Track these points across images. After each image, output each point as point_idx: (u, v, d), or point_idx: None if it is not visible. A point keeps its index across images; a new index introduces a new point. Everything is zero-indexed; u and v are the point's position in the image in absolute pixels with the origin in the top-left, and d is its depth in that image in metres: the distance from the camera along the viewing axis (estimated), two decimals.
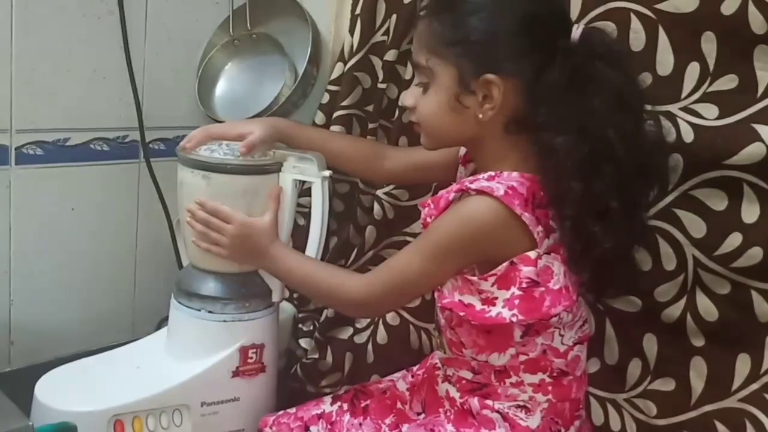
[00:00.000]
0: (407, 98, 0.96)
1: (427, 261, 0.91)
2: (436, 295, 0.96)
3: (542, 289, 0.88)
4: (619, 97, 0.86)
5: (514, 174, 0.89)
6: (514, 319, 0.88)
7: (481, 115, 0.89)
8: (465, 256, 0.90)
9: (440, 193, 0.95)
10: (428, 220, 0.95)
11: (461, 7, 0.89)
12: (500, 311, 0.88)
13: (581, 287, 0.95)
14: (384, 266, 0.99)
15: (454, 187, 0.93)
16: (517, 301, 0.88)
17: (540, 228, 0.87)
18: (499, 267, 0.88)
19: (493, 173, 0.90)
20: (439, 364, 1.03)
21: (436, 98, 0.92)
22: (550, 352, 0.92)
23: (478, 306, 0.90)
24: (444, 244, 0.90)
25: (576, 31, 0.89)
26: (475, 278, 0.89)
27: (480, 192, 0.87)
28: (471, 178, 0.92)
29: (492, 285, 0.88)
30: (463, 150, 1.06)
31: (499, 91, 0.88)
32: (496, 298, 0.89)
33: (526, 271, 0.87)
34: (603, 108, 0.85)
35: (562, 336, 0.92)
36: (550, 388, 0.93)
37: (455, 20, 0.89)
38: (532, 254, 0.87)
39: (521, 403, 0.93)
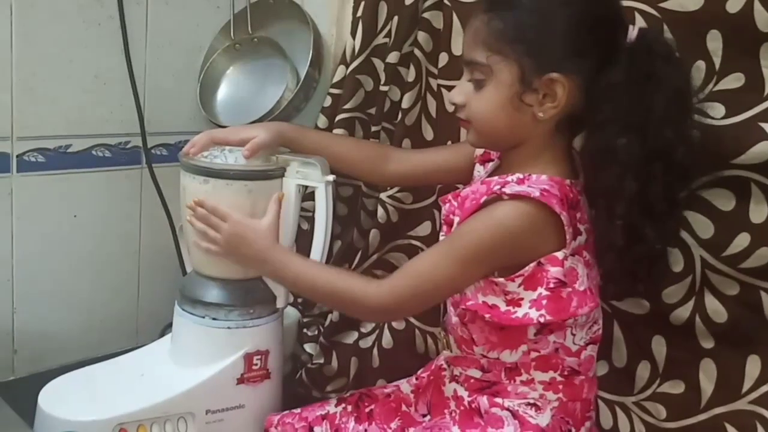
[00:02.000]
0: (456, 95, 0.93)
1: (456, 265, 0.89)
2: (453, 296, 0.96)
3: (569, 289, 0.88)
4: (679, 98, 0.86)
5: (543, 177, 0.88)
6: (542, 320, 0.88)
7: (541, 114, 0.88)
8: (495, 261, 0.89)
9: (464, 191, 0.94)
10: (451, 217, 0.94)
11: (523, 4, 0.88)
12: (527, 312, 0.88)
13: (606, 286, 0.95)
14: (407, 271, 0.95)
15: (481, 188, 0.91)
16: (544, 302, 0.87)
17: (570, 229, 0.87)
18: (526, 268, 0.87)
19: (521, 176, 0.89)
20: (446, 365, 1.02)
21: (494, 96, 0.89)
22: (562, 351, 0.92)
23: (503, 307, 0.89)
24: (476, 250, 0.88)
25: (632, 32, 0.88)
26: (501, 280, 0.89)
27: (514, 197, 0.86)
28: (499, 180, 0.91)
29: (519, 286, 0.88)
30: (479, 151, 1.05)
31: (564, 89, 0.86)
32: (522, 298, 0.88)
33: (554, 271, 0.87)
34: (663, 108, 0.85)
35: (573, 335, 0.92)
36: (561, 387, 0.93)
37: (517, 17, 0.87)
38: (559, 255, 0.87)
39: (531, 401, 0.93)
